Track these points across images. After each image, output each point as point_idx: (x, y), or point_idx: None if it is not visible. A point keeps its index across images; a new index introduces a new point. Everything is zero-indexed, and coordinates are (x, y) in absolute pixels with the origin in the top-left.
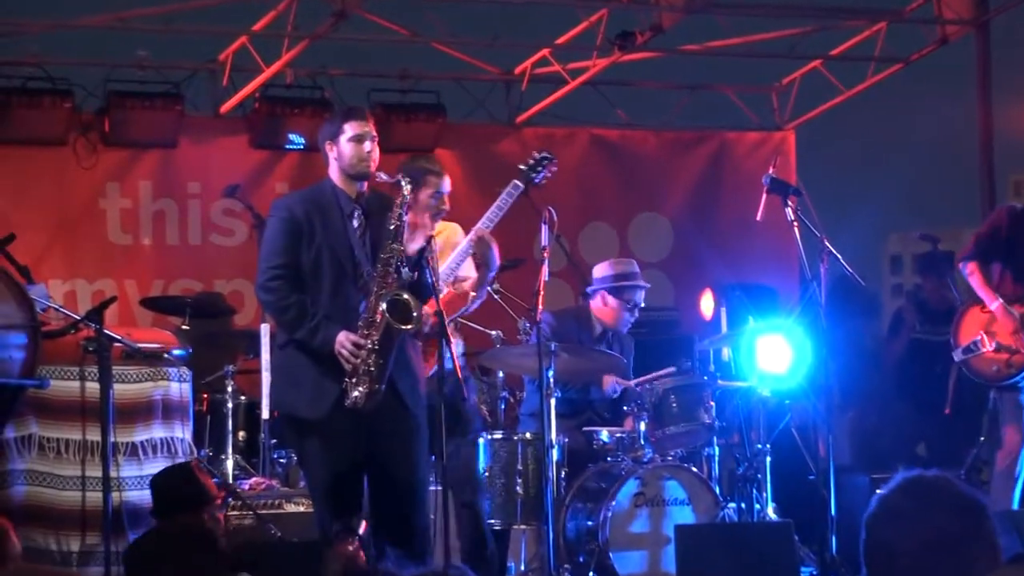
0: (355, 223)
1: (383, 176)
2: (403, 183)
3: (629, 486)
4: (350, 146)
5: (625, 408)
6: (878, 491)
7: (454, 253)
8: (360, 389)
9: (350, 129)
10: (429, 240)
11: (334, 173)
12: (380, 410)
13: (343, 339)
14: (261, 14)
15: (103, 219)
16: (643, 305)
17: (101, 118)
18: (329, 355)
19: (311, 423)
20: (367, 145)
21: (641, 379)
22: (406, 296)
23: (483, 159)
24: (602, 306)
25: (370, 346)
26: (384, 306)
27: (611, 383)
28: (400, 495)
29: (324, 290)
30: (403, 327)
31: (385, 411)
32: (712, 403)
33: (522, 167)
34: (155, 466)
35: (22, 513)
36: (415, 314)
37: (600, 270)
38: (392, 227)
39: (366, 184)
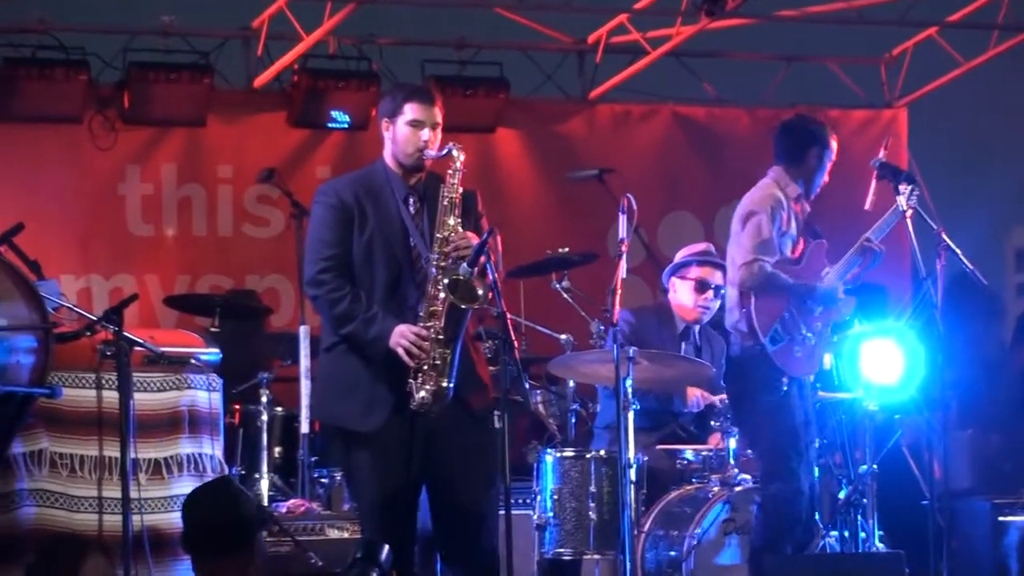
0: (411, 209)
1: (431, 153)
2: (454, 151)
3: (717, 511)
4: (406, 131)
5: (713, 423)
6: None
7: (841, 262)
8: (427, 388)
9: (410, 111)
10: (490, 232)
11: (388, 155)
12: (440, 419)
13: (403, 330)
14: None
15: (122, 207)
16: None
17: (120, 92)
18: (384, 354)
19: (362, 436)
20: (425, 133)
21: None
22: (467, 276)
23: (551, 139)
24: (675, 296)
25: (434, 335)
26: (444, 284)
27: (696, 396)
28: (464, 518)
29: (377, 286)
30: (469, 306)
31: (446, 420)
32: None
33: (901, 209)
34: (181, 486)
35: (31, 537)
36: (480, 291)
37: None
38: (447, 200)
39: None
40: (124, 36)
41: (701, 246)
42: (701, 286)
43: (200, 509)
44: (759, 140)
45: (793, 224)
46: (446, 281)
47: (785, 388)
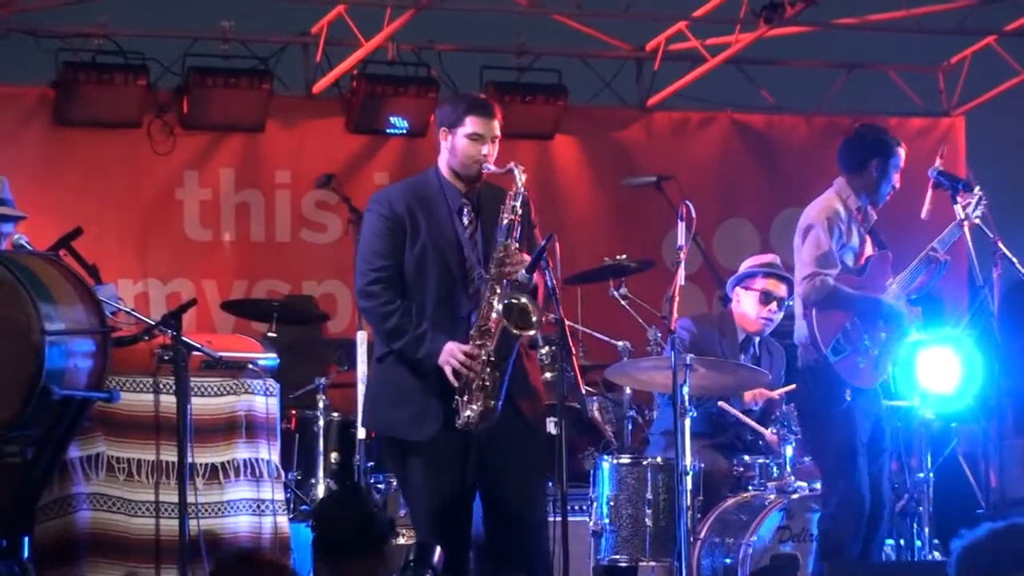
0: (464, 219)
1: (491, 167)
2: (516, 170)
3: (773, 519)
4: (465, 143)
5: (770, 430)
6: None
7: (906, 272)
8: (473, 407)
9: (471, 124)
10: (549, 238)
11: (443, 163)
12: (495, 428)
13: (452, 349)
14: None
15: (180, 212)
16: (790, 303)
17: (179, 97)
18: (434, 370)
19: (416, 445)
20: (486, 147)
21: (784, 389)
22: (524, 299)
23: (608, 147)
24: (737, 306)
25: (484, 357)
26: (499, 309)
27: (753, 395)
28: (518, 527)
29: (429, 297)
30: (522, 333)
31: (500, 429)
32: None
33: (966, 215)
34: (237, 491)
35: (88, 542)
36: (535, 319)
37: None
38: (506, 222)
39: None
40: (183, 41)
41: (768, 257)
42: (765, 298)
43: (336, 511)
44: (817, 148)
45: (855, 235)
46: (500, 306)
47: (848, 400)
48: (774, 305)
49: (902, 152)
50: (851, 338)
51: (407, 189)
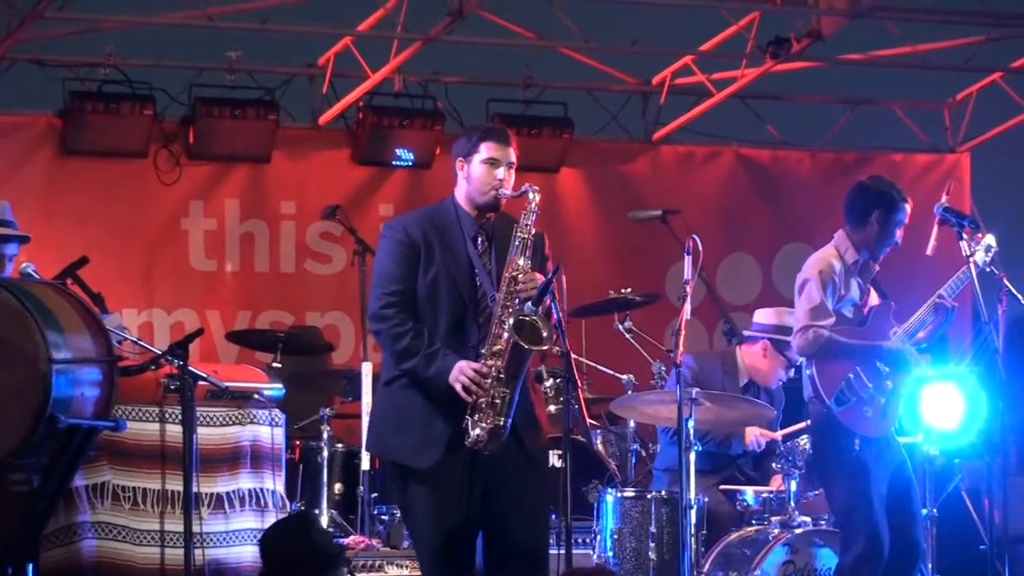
0: (478, 247)
1: (507, 192)
2: (531, 192)
3: (777, 554)
4: (482, 169)
5: (773, 465)
6: None
7: (911, 320)
8: (482, 426)
9: (486, 150)
10: (556, 270)
11: (460, 193)
12: (498, 458)
13: (463, 367)
14: (367, 13)
15: (185, 241)
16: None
17: (185, 128)
18: (443, 392)
19: (419, 473)
20: (500, 172)
21: (788, 430)
22: (533, 316)
23: (614, 180)
24: (760, 356)
25: (494, 374)
26: (510, 324)
27: (754, 436)
28: (520, 558)
29: (441, 323)
30: (532, 348)
31: (503, 459)
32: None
33: (975, 261)
34: (242, 521)
35: (93, 570)
36: (545, 334)
37: (765, 317)
38: (518, 241)
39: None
40: (190, 71)
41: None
42: (791, 367)
43: (274, 544)
44: (821, 183)
45: (854, 288)
46: (511, 321)
47: (857, 449)
48: (792, 371)
49: (907, 208)
50: (855, 388)
51: (423, 216)
